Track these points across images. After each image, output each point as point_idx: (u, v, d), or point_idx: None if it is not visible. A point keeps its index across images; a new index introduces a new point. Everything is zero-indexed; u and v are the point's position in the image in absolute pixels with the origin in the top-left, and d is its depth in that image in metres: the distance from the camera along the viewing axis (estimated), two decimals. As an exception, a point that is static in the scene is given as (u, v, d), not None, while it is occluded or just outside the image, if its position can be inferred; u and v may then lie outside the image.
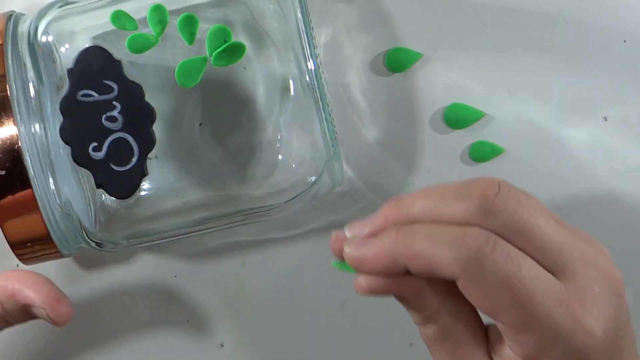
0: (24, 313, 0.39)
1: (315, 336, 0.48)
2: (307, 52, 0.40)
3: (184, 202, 0.42)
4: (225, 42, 0.39)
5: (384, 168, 0.47)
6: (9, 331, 0.41)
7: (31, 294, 0.39)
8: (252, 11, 0.41)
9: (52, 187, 0.39)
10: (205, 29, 0.39)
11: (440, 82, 0.47)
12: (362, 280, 0.34)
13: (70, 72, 0.39)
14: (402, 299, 0.35)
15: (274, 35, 0.41)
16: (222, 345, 0.48)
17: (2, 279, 0.39)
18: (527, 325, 0.32)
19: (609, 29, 0.46)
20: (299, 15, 0.40)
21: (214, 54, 0.39)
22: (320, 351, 0.48)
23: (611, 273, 0.33)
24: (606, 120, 0.47)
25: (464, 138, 0.47)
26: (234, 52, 0.39)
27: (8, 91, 0.38)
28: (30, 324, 0.41)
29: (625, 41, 0.46)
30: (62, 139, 0.39)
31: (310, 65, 0.40)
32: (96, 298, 0.48)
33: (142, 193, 0.41)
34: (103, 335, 0.48)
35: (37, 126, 0.39)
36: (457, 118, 0.46)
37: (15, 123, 0.38)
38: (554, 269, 0.33)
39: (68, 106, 0.39)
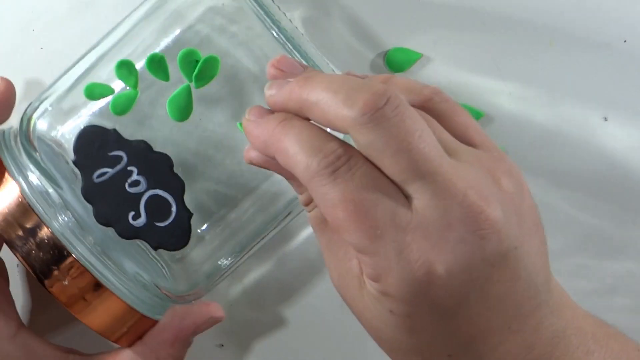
0: (188, 345, 0.43)
1: (315, 336, 0.48)
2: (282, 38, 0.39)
3: (236, 219, 0.42)
4: (197, 62, 0.39)
5: None
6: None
7: (190, 322, 0.42)
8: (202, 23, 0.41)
9: (115, 270, 0.40)
10: (174, 60, 0.39)
11: (440, 82, 0.46)
12: (249, 152, 0.36)
13: (76, 163, 0.39)
14: (287, 178, 0.36)
15: (244, 37, 0.41)
16: (222, 346, 0.48)
17: (156, 336, 0.42)
18: (366, 249, 0.32)
19: (609, 29, 0.46)
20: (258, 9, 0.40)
21: (193, 78, 0.39)
22: (320, 351, 0.48)
23: (481, 211, 0.32)
24: (606, 120, 0.47)
25: None
26: (210, 67, 0.39)
27: (31, 206, 0.39)
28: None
29: (625, 41, 0.46)
30: (100, 224, 0.39)
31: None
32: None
33: (198, 231, 0.42)
34: (106, 345, 0.48)
35: (71, 223, 0.39)
36: None
37: (51, 231, 0.38)
38: (412, 193, 0.32)
39: (90, 193, 0.39)
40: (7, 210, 0.39)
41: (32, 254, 0.38)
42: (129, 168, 0.39)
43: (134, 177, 0.39)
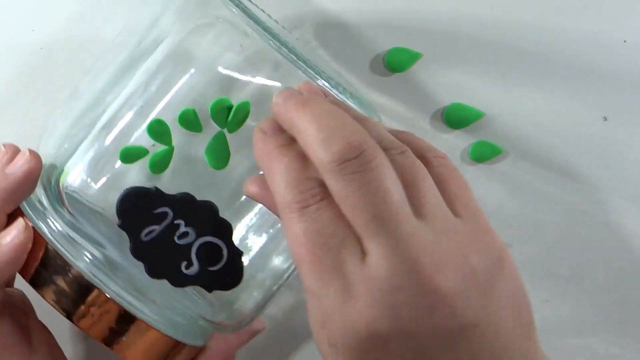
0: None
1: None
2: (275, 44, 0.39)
3: (273, 242, 0.43)
4: (229, 109, 0.39)
5: None
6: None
7: (238, 340, 0.45)
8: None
9: (165, 313, 0.41)
10: (204, 109, 0.39)
11: (440, 82, 0.46)
12: (249, 184, 0.37)
13: (121, 227, 0.39)
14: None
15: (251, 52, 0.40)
16: None
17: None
18: (315, 291, 0.33)
19: (609, 29, 0.45)
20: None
21: (228, 125, 0.39)
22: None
23: (429, 282, 0.31)
24: (606, 120, 0.47)
25: (464, 138, 0.47)
26: (242, 112, 0.39)
27: (81, 274, 0.39)
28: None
29: (625, 41, 0.45)
30: (155, 278, 0.39)
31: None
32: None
33: (246, 264, 0.43)
34: None
35: (121, 282, 0.40)
36: (457, 118, 0.46)
37: (105, 295, 0.39)
38: (368, 248, 0.32)
39: (140, 253, 0.39)
40: (62, 287, 0.39)
41: (92, 323, 0.39)
42: (175, 222, 0.39)
43: (182, 229, 0.39)
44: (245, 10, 0.39)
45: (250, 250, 0.43)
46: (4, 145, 0.41)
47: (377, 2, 0.46)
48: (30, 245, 0.39)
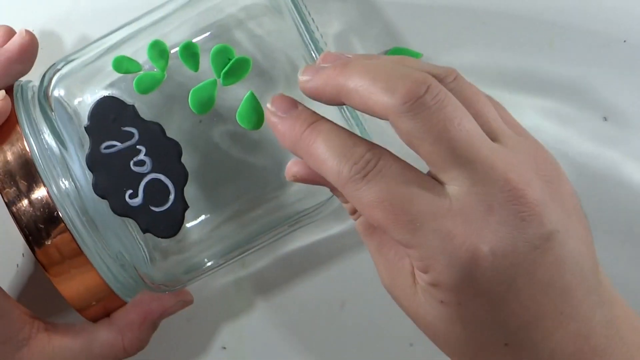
0: (154, 328, 0.44)
1: (315, 336, 0.48)
2: (312, 48, 0.39)
3: (230, 223, 0.42)
4: (230, 60, 0.39)
5: None
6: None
7: (159, 304, 0.43)
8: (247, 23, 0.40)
9: (99, 243, 0.39)
10: (206, 52, 0.39)
11: None
12: (292, 167, 0.37)
13: (87, 129, 0.39)
14: (330, 189, 0.37)
15: (276, 42, 0.40)
16: (225, 348, 0.48)
17: (123, 316, 0.42)
18: (410, 242, 0.33)
19: (609, 29, 0.45)
20: (297, 17, 0.39)
21: (221, 74, 0.39)
22: (320, 351, 0.48)
23: (522, 195, 0.32)
24: (606, 120, 0.46)
25: None
26: (241, 67, 0.39)
27: (32, 158, 0.38)
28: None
29: (625, 41, 0.45)
30: (97, 194, 0.39)
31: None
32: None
33: (189, 225, 0.41)
34: None
35: (68, 187, 0.39)
36: None
37: (47, 190, 0.38)
38: (451, 181, 0.33)
39: (94, 162, 0.39)
40: (8, 161, 0.39)
41: (24, 209, 0.38)
42: (138, 147, 0.39)
43: (141, 156, 0.39)
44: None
45: (200, 216, 0.42)
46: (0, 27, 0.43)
47: (377, 2, 0.46)
48: (4, 116, 0.40)
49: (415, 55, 0.46)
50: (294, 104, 0.36)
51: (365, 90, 0.33)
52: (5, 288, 0.45)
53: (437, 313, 0.34)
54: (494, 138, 0.34)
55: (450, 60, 0.46)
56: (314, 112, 0.35)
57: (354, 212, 0.38)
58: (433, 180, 0.33)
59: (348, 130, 0.35)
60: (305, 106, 0.36)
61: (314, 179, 0.36)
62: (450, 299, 0.33)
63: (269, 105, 0.36)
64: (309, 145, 0.34)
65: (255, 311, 0.48)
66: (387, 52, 0.46)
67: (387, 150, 0.34)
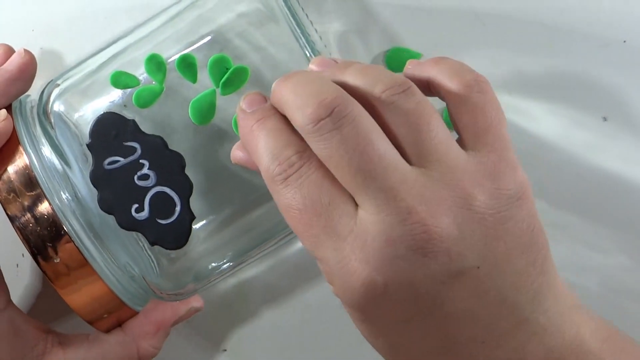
0: (167, 335, 0.44)
1: (315, 337, 0.48)
2: (309, 52, 0.39)
3: (237, 229, 0.42)
4: (227, 69, 0.39)
5: None
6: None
7: (172, 313, 0.44)
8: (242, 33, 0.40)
9: (107, 255, 0.40)
10: (204, 63, 0.39)
11: None
12: (235, 151, 0.37)
13: (89, 146, 0.39)
14: None
15: (273, 48, 0.40)
16: (225, 350, 0.49)
17: (138, 327, 0.43)
18: (313, 254, 0.33)
19: (609, 29, 0.45)
20: (292, 21, 0.39)
21: (220, 84, 0.39)
22: (320, 352, 0.48)
23: (425, 230, 0.31)
24: (606, 120, 0.46)
25: None
26: (239, 76, 0.39)
27: (37, 178, 0.39)
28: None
29: (625, 41, 0.45)
30: (102, 210, 0.39)
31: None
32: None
33: (196, 234, 0.42)
34: None
35: (73, 204, 0.39)
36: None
37: (51, 206, 0.38)
38: (360, 203, 0.32)
39: (98, 178, 0.39)
40: (11, 179, 0.39)
41: (29, 226, 0.39)
42: (141, 161, 0.39)
43: (145, 170, 0.39)
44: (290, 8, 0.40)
45: (207, 223, 0.42)
46: None
47: (377, 3, 0.46)
48: (5, 137, 0.40)
49: (416, 55, 0.45)
50: (262, 100, 0.36)
51: (289, 105, 0.33)
52: None
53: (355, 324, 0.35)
54: (420, 161, 0.32)
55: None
56: (271, 109, 0.35)
57: None
58: (349, 199, 0.32)
59: (292, 130, 0.34)
60: (270, 104, 0.35)
61: (253, 166, 0.36)
62: (353, 315, 0.34)
63: (240, 102, 0.36)
64: (252, 139, 0.34)
65: (255, 313, 0.48)
66: (387, 52, 0.46)
67: (316, 157, 0.33)
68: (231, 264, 0.43)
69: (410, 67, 0.36)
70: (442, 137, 0.33)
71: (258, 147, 0.34)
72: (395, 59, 0.46)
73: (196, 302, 0.45)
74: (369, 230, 0.31)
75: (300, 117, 0.32)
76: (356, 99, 0.33)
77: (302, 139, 0.33)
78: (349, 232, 0.32)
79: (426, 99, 0.33)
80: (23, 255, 0.48)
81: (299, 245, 0.48)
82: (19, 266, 0.48)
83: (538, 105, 0.46)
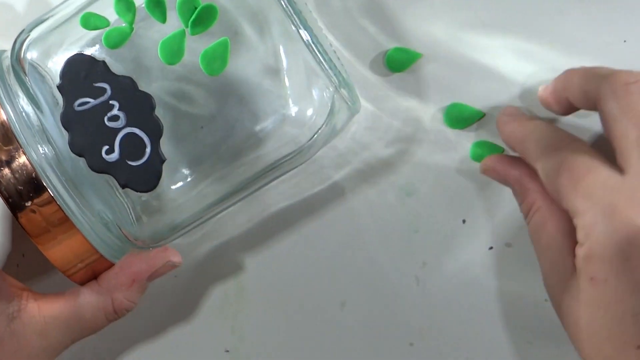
0: (143, 289, 0.43)
1: (316, 337, 0.48)
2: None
3: (209, 176, 0.42)
4: (196, 8, 0.39)
5: (382, 172, 0.47)
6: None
7: (148, 266, 0.43)
8: None
9: (81, 203, 0.40)
10: (173, 4, 0.39)
11: (440, 82, 0.46)
12: (488, 161, 0.44)
13: (60, 87, 0.39)
14: (509, 185, 0.43)
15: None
16: (228, 351, 0.48)
17: (112, 279, 0.42)
18: (578, 208, 0.37)
19: (609, 29, 0.45)
20: None
21: (189, 23, 0.39)
22: (321, 352, 0.48)
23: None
24: None
25: (464, 138, 0.46)
26: (208, 15, 0.39)
27: (9, 124, 0.39)
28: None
29: (625, 41, 0.45)
30: (73, 152, 0.39)
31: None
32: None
33: (168, 180, 0.42)
34: (107, 344, 0.49)
35: (46, 149, 0.39)
36: (457, 118, 0.46)
37: (24, 152, 0.38)
38: (633, 161, 0.36)
39: (69, 120, 0.39)
40: None
41: (6, 178, 0.38)
42: (111, 102, 0.39)
43: (115, 111, 0.39)
44: None
45: (180, 172, 0.42)
46: None
47: (377, 2, 0.46)
48: None
49: (416, 55, 0.46)
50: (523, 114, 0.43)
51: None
52: None
53: (586, 298, 0.36)
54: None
55: (450, 60, 0.46)
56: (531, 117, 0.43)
57: (527, 213, 0.41)
58: (610, 161, 0.37)
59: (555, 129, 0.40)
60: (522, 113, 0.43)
61: (504, 179, 0.43)
62: (599, 272, 0.35)
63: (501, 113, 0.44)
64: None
65: (257, 314, 0.48)
66: (387, 52, 0.46)
67: (574, 137, 0.39)
68: (206, 211, 0.43)
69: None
70: None
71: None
72: (395, 59, 0.46)
73: (174, 256, 0.44)
74: (636, 183, 0.36)
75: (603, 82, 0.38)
76: None
77: None
78: (619, 185, 0.36)
79: None
80: (23, 255, 0.49)
81: (299, 244, 0.48)
82: (19, 266, 0.48)
83: (538, 105, 0.45)
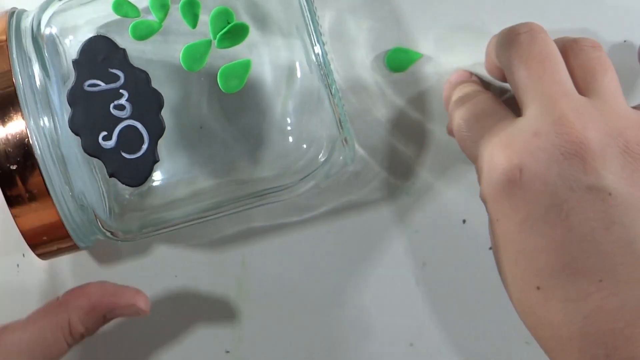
0: (102, 321, 0.42)
1: (315, 336, 0.48)
2: (312, 30, 0.39)
3: (196, 188, 0.42)
4: (228, 23, 0.39)
5: (381, 173, 0.47)
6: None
7: (112, 299, 0.42)
8: None
9: (65, 179, 0.39)
10: (207, 12, 0.39)
11: (440, 82, 0.46)
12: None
13: (75, 63, 0.39)
14: None
15: (277, 17, 0.40)
16: (228, 352, 0.48)
17: (74, 299, 0.41)
18: (472, 154, 0.39)
19: (609, 29, 0.45)
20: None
21: (217, 36, 0.39)
22: (321, 352, 0.48)
23: (568, 132, 0.34)
24: None
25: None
26: (238, 33, 0.39)
27: (15, 86, 0.38)
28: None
29: (625, 41, 0.46)
30: (71, 130, 0.39)
31: (317, 46, 0.40)
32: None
33: (155, 183, 0.41)
34: (107, 344, 0.49)
35: (45, 119, 0.39)
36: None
37: (23, 117, 0.38)
38: (526, 106, 0.37)
39: (75, 97, 0.39)
40: None
41: None
42: (121, 90, 0.39)
43: (122, 101, 0.39)
44: None
45: (170, 177, 0.42)
46: None
47: (377, 2, 0.46)
48: None
49: (416, 55, 0.46)
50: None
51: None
52: (5, 288, 0.47)
53: (493, 240, 0.37)
54: (587, 93, 0.37)
55: (450, 60, 0.46)
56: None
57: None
58: (510, 114, 0.38)
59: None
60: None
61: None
62: (492, 213, 0.36)
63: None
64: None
65: (257, 314, 0.48)
66: (387, 52, 0.46)
67: (482, 89, 0.42)
68: (182, 220, 0.43)
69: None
70: (614, 85, 0.37)
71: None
72: (395, 59, 0.46)
73: (142, 303, 0.43)
74: (520, 127, 0.36)
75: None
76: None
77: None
78: (501, 130, 0.36)
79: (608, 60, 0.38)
80: (24, 255, 0.48)
81: (299, 244, 0.48)
82: (19, 266, 0.48)
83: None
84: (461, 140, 0.40)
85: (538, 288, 0.34)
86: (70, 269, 0.48)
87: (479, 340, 0.47)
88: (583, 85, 0.37)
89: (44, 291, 0.47)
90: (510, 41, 0.38)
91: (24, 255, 0.48)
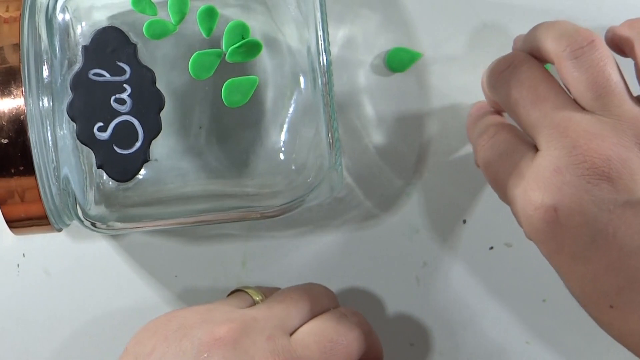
0: None
1: None
2: (322, 48, 0.39)
3: (181, 192, 0.42)
4: (243, 38, 0.39)
5: (382, 173, 0.47)
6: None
7: None
8: (271, 10, 0.41)
9: (52, 162, 0.39)
10: (223, 22, 0.39)
11: (440, 82, 0.46)
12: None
13: (85, 49, 0.39)
14: None
15: (288, 32, 0.40)
16: None
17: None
18: (503, 199, 0.40)
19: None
20: (318, 15, 0.39)
21: (230, 49, 0.39)
22: None
23: (585, 160, 0.35)
24: None
25: (465, 138, 0.47)
26: (251, 49, 0.39)
27: (20, 61, 0.38)
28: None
29: None
30: (68, 114, 0.39)
31: (324, 61, 0.40)
32: (97, 304, 0.48)
33: (141, 178, 0.41)
34: (107, 344, 0.49)
35: (45, 100, 0.39)
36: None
37: (23, 94, 0.38)
38: (540, 144, 0.37)
39: (78, 83, 0.39)
40: None
41: None
42: (124, 85, 0.39)
43: (124, 95, 0.39)
44: None
45: (159, 178, 0.42)
46: None
47: (376, 2, 0.46)
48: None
49: (416, 55, 0.46)
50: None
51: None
52: (5, 288, 0.47)
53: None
54: (592, 106, 0.36)
55: (450, 60, 0.46)
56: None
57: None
58: (531, 148, 0.38)
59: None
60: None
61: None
62: (542, 251, 0.37)
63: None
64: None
65: None
66: (387, 52, 0.46)
67: (508, 125, 0.40)
68: (161, 222, 0.43)
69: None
70: (619, 89, 0.37)
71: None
72: (395, 59, 0.46)
73: None
74: (541, 164, 0.36)
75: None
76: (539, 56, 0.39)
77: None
78: (526, 170, 0.37)
79: (608, 52, 0.37)
80: (24, 255, 0.48)
81: (299, 244, 0.48)
82: (20, 266, 0.48)
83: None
84: (489, 181, 0.40)
85: (611, 307, 0.35)
86: (71, 269, 0.48)
87: (479, 340, 0.48)
88: (587, 101, 0.37)
89: (44, 291, 0.47)
90: (496, 83, 0.39)
91: (24, 255, 0.48)
